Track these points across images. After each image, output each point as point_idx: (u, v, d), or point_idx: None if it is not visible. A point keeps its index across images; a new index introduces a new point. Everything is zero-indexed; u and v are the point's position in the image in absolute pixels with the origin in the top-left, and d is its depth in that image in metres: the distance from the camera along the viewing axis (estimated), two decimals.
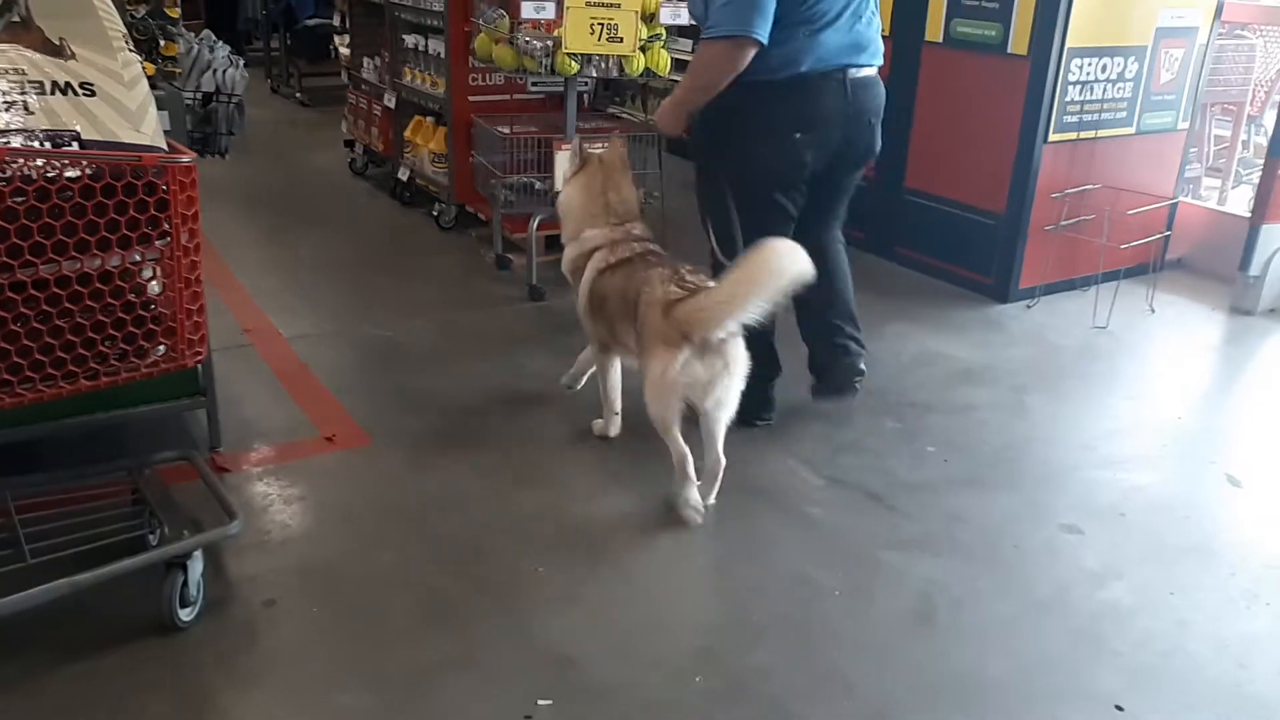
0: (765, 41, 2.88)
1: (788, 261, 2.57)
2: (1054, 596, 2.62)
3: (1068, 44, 4.27)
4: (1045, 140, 4.40)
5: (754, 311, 2.61)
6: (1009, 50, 4.40)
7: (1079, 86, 4.40)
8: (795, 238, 2.78)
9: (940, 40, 4.70)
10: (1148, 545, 2.86)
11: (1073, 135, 4.45)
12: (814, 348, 3.49)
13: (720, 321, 2.64)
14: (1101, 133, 4.52)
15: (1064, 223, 4.53)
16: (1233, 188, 5.83)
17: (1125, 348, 4.21)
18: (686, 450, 2.85)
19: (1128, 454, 3.34)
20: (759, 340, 2.93)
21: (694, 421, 2.87)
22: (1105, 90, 4.49)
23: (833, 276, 3.36)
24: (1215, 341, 4.38)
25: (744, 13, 2.85)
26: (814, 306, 3.32)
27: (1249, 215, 4.67)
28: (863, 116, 3.10)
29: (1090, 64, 4.39)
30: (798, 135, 3.04)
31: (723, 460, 2.91)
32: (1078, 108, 4.43)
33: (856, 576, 2.67)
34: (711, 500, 2.95)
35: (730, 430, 2.95)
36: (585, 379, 3.49)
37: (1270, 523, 3.01)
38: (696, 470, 2.89)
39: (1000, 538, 2.87)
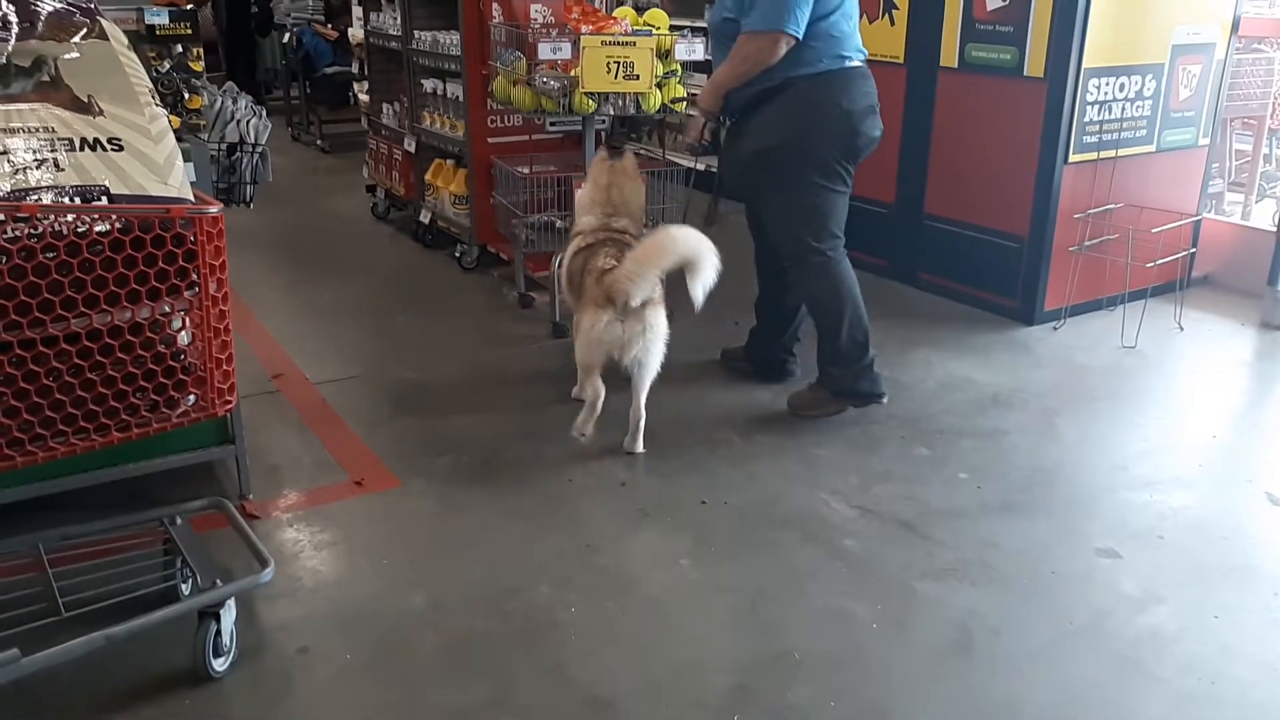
0: (800, 37, 3.25)
1: (682, 241, 3.09)
2: (1093, 623, 2.58)
3: (1084, 64, 4.27)
4: (1065, 161, 4.39)
5: (653, 282, 3.11)
6: (1025, 73, 4.40)
7: (1097, 106, 4.39)
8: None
9: (955, 65, 4.70)
10: (1188, 567, 2.81)
11: (1093, 155, 4.44)
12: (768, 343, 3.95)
13: (628, 288, 3.08)
14: (1122, 152, 4.51)
15: (1087, 243, 4.51)
16: (1257, 202, 5.78)
17: (1155, 366, 4.17)
18: (600, 390, 3.35)
19: (1163, 475, 3.30)
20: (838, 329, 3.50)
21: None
22: (1124, 109, 4.48)
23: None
24: (1247, 357, 4.33)
25: (784, 11, 3.21)
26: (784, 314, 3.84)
27: (1275, 229, 4.63)
28: (877, 104, 3.51)
29: (1108, 83, 4.38)
30: (870, 110, 3.44)
31: (643, 413, 3.38)
32: (1097, 127, 4.41)
33: (892, 608, 2.63)
34: (635, 447, 3.40)
35: (762, 462, 2.97)
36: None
37: None
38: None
39: (1037, 564, 2.83)
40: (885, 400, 3.61)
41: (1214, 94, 4.77)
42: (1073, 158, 4.40)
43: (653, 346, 3.27)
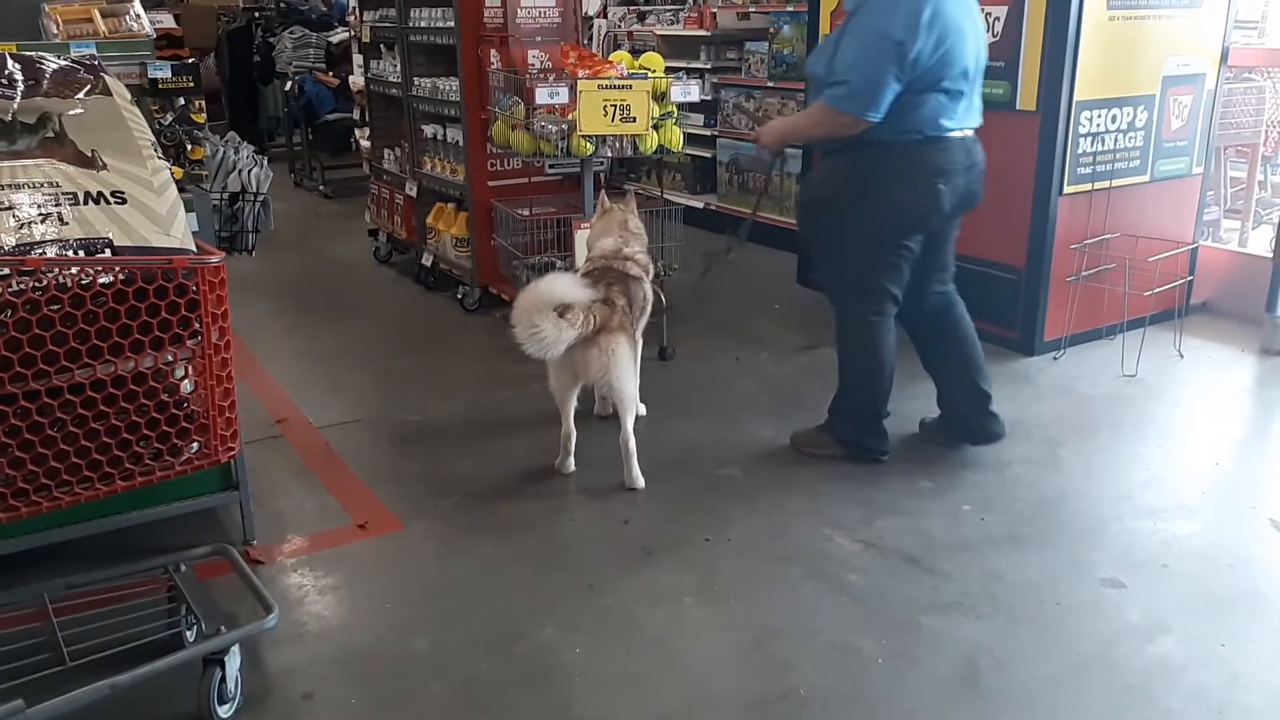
0: (879, 120, 3.17)
1: (545, 289, 3.17)
2: (1100, 654, 2.57)
3: (1076, 97, 4.31)
4: (1060, 193, 4.42)
5: (548, 328, 3.14)
6: (1018, 106, 4.45)
7: (1090, 138, 4.43)
8: (915, 284, 3.47)
9: None
10: (1194, 596, 2.81)
11: (1087, 186, 4.47)
12: (953, 399, 3.72)
13: (525, 343, 3.17)
14: (1116, 182, 4.54)
15: (1085, 273, 4.53)
16: (1253, 228, 5.81)
17: (1156, 395, 4.18)
18: (571, 430, 3.53)
19: (1166, 503, 3.30)
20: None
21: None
22: (1117, 140, 4.52)
23: (962, 341, 3.65)
24: (1247, 384, 4.34)
25: (869, 99, 3.15)
26: (951, 370, 3.67)
27: (1272, 255, 4.65)
28: (976, 168, 3.41)
29: (1100, 115, 4.43)
30: (940, 185, 3.30)
31: (631, 442, 3.44)
32: (1090, 159, 4.45)
33: (898, 642, 2.63)
34: (634, 481, 3.43)
35: (765, 498, 3.01)
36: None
37: None
38: None
39: (1042, 595, 2.82)
40: (885, 459, 3.57)
41: (1206, 123, 4.81)
42: (1067, 189, 4.43)
43: (613, 369, 3.34)
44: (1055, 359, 4.55)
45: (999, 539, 3.12)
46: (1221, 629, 2.66)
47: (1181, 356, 4.52)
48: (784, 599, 2.83)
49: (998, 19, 4.46)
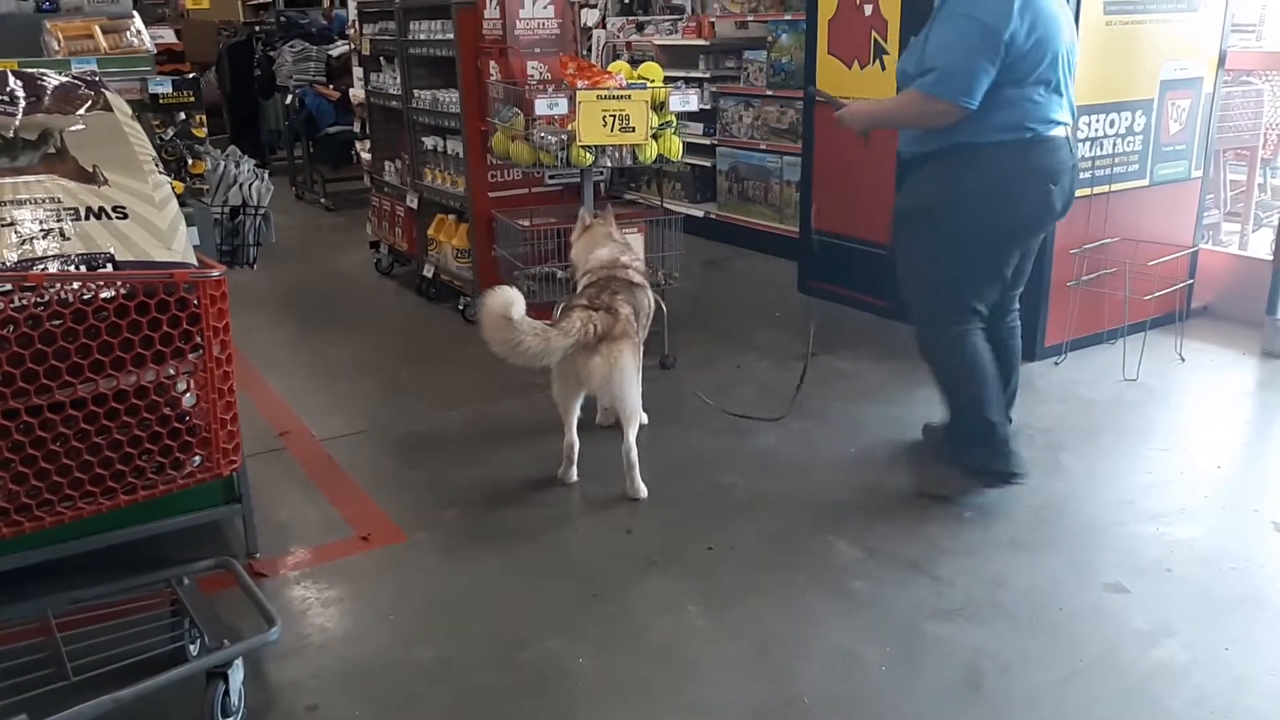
0: (976, 108, 3.03)
1: (490, 305, 3.12)
2: (1104, 658, 2.57)
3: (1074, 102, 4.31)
4: None
5: (530, 342, 3.15)
6: None
7: (1088, 143, 4.43)
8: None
9: None
10: (1197, 600, 2.80)
11: (1086, 191, 4.47)
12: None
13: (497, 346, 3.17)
14: (1115, 186, 4.55)
15: (1085, 278, 4.53)
16: (1253, 231, 5.81)
17: (1158, 398, 4.18)
18: (574, 440, 3.53)
19: (1169, 507, 3.29)
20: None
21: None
22: (1115, 145, 4.53)
23: (1007, 359, 3.46)
24: (1249, 387, 4.34)
25: (963, 83, 3.01)
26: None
27: (1272, 258, 4.65)
28: (1078, 168, 3.30)
29: (1098, 120, 4.44)
30: (1052, 186, 3.16)
31: (634, 451, 3.43)
32: (1089, 164, 4.45)
33: (902, 648, 2.63)
34: (636, 491, 3.42)
35: (767, 506, 3.00)
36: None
37: None
38: None
39: (1045, 600, 2.82)
40: (1024, 481, 3.30)
41: (1204, 127, 4.82)
42: None
43: (614, 377, 3.34)
44: (1056, 364, 4.55)
45: (1001, 544, 3.12)
46: (1225, 632, 2.65)
47: (1183, 360, 4.52)
48: (787, 607, 2.83)
49: None
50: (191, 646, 2.53)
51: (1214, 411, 4.10)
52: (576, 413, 3.52)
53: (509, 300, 3.13)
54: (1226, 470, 3.61)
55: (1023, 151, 3.11)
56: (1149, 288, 4.43)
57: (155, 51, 3.46)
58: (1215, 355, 4.60)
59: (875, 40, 5.07)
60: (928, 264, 3.29)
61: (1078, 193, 4.38)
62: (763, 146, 6.70)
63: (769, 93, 6.57)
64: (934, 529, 3.20)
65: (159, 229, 2.15)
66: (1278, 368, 4.47)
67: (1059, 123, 3.15)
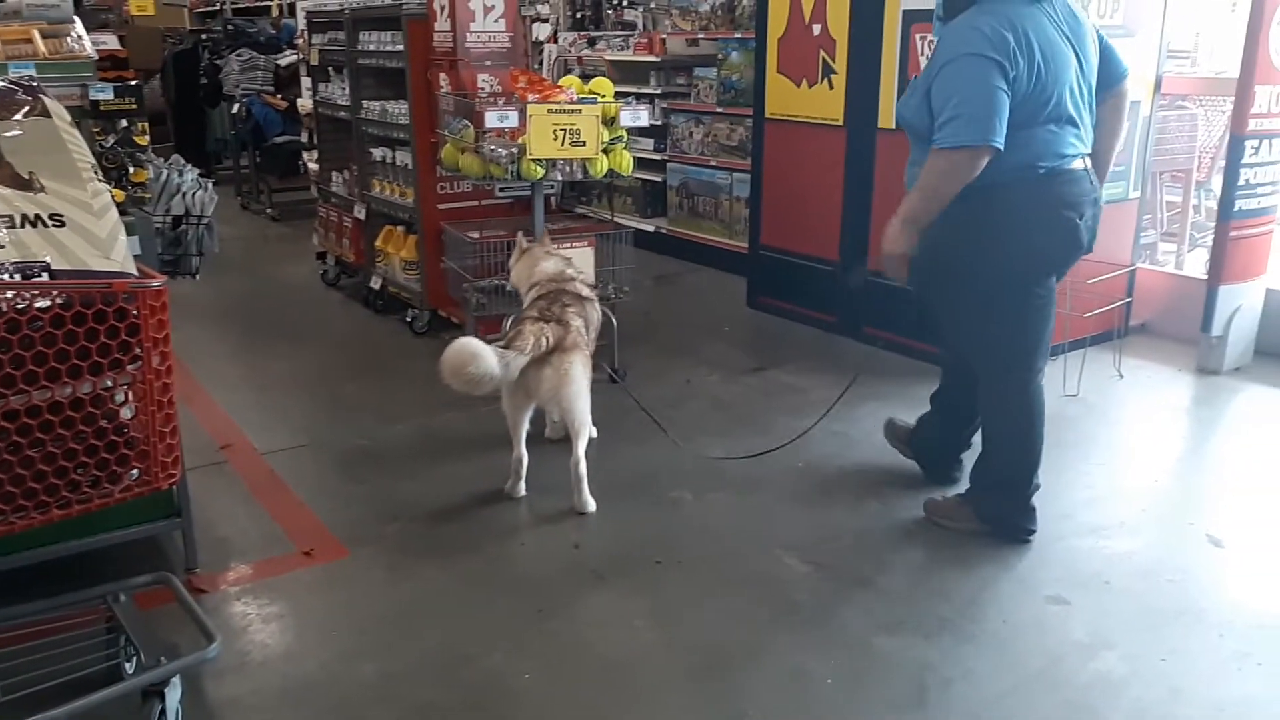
0: (1002, 148, 2.83)
1: (451, 363, 3.11)
2: (1045, 670, 2.61)
3: None
4: None
5: (484, 372, 3.12)
6: None
7: None
8: None
9: (893, 127, 4.83)
10: (1135, 612, 2.86)
11: None
12: (940, 434, 3.60)
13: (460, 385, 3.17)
14: None
15: None
16: (1189, 251, 5.96)
17: (1097, 414, 4.26)
18: (523, 454, 3.52)
19: (1108, 521, 3.36)
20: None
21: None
22: None
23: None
24: (1184, 403, 4.44)
25: (984, 122, 2.81)
26: (959, 409, 3.46)
27: (1206, 277, 4.77)
28: (1099, 200, 3.12)
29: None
30: (1075, 218, 3.01)
31: (583, 465, 3.40)
32: None
33: (848, 663, 2.64)
34: (584, 505, 3.40)
35: (716, 520, 3.02)
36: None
37: (1254, 581, 3.02)
38: None
39: (988, 613, 2.86)
40: (1033, 537, 3.22)
41: (1142, 150, 4.94)
42: None
43: (565, 389, 3.33)
44: None
45: (945, 558, 3.15)
46: (1162, 644, 2.71)
47: (1121, 376, 4.61)
48: (734, 621, 2.83)
49: None
50: (127, 664, 2.47)
51: (1151, 427, 4.19)
52: (525, 426, 3.51)
53: (474, 354, 3.11)
54: (1163, 484, 3.68)
55: (1041, 185, 2.96)
56: (1088, 305, 4.52)
57: (97, 57, 3.40)
58: (1152, 372, 4.70)
59: (824, 59, 5.14)
60: (973, 316, 3.14)
61: None
62: (713, 163, 6.75)
63: (719, 110, 6.62)
64: (879, 543, 3.23)
65: (97, 237, 2.11)
66: (1212, 384, 4.58)
67: (1075, 155, 3.00)
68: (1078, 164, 3.01)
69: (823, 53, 5.14)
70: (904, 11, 4.69)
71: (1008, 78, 2.82)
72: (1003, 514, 3.24)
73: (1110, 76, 3.15)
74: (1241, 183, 4.49)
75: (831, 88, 5.12)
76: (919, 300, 3.35)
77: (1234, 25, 5.03)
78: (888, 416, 3.85)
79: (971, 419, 3.45)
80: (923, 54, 4.62)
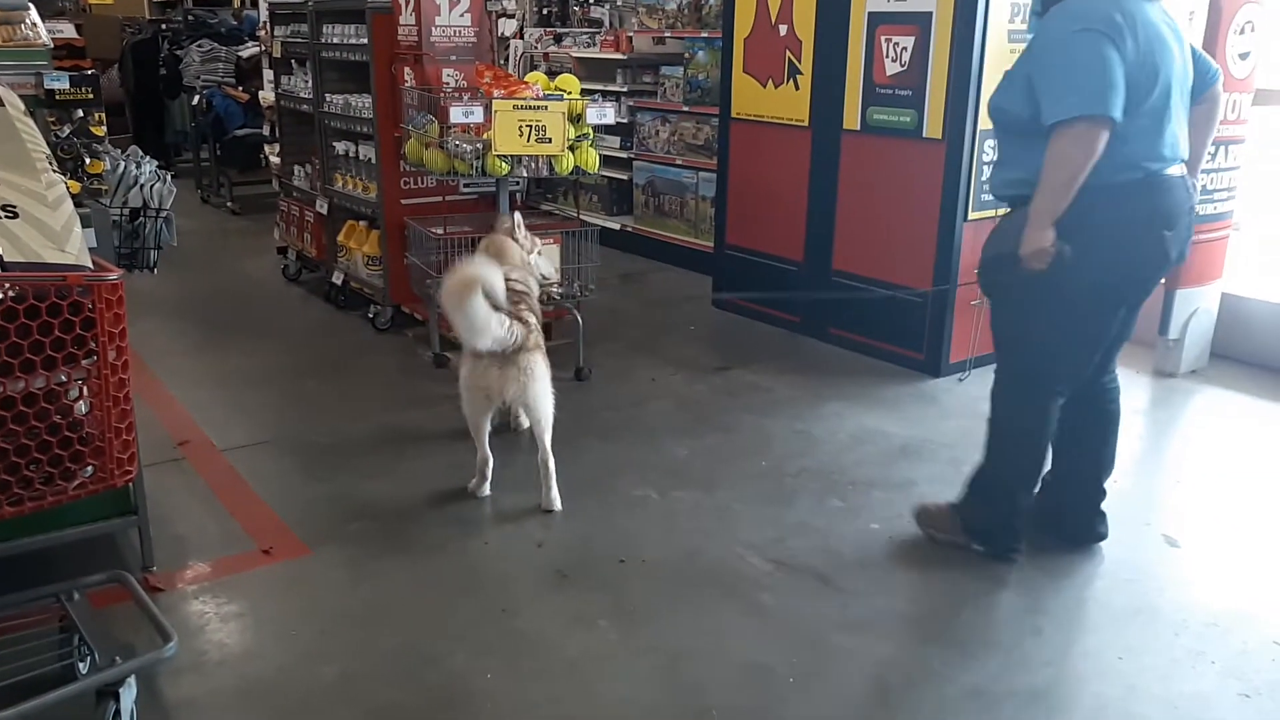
0: (1119, 120, 2.64)
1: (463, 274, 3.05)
2: (1005, 668, 2.63)
3: (980, 126, 4.44)
4: (965, 218, 4.54)
5: (483, 317, 3.08)
6: (924, 134, 4.57)
7: (993, 166, 4.56)
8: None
9: (858, 128, 4.86)
10: (1093, 610, 2.89)
11: (991, 212, 4.59)
12: (1065, 489, 3.26)
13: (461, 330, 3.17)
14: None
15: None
16: None
17: None
18: (488, 455, 3.50)
19: None
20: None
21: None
22: None
23: (1106, 432, 3.19)
24: (1142, 405, 4.50)
25: (1101, 94, 2.61)
26: (1079, 459, 3.19)
27: (1163, 281, 4.84)
28: (1194, 211, 2.91)
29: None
30: (1166, 232, 2.78)
31: (550, 461, 3.41)
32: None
33: (809, 661, 2.65)
34: (551, 503, 3.40)
35: (680, 519, 3.00)
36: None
37: (1208, 580, 3.06)
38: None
39: (948, 612, 2.88)
40: (1017, 560, 3.09)
41: None
42: (972, 215, 4.56)
43: (531, 388, 3.33)
44: (960, 380, 4.66)
45: (906, 557, 3.17)
46: (1119, 642, 2.74)
47: None
48: (698, 620, 2.84)
49: (904, 49, 4.58)
50: (81, 664, 2.42)
51: None
52: (488, 428, 3.48)
53: (491, 279, 3.12)
54: (1121, 485, 3.71)
55: (1135, 194, 2.75)
56: None
57: (52, 46, 3.33)
58: None
59: (790, 60, 5.16)
60: (1021, 323, 2.96)
61: (983, 214, 4.56)
62: (679, 162, 6.75)
63: (685, 109, 6.63)
64: (841, 542, 3.25)
65: (52, 229, 2.06)
66: (1169, 386, 4.65)
67: (1173, 159, 2.80)
68: (1176, 170, 2.81)
69: (789, 53, 5.16)
70: (869, 13, 4.71)
71: (1121, 52, 2.63)
72: (989, 527, 3.13)
73: (1204, 80, 2.96)
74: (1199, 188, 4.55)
75: (797, 88, 5.14)
76: (986, 290, 3.11)
77: (1192, 33, 5.10)
78: (918, 504, 3.40)
79: (1108, 460, 3.22)
80: (888, 55, 4.66)
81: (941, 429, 4.12)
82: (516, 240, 3.93)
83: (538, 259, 4.01)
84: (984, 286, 3.10)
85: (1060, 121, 2.65)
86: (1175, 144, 2.80)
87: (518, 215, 4.06)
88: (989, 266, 3.01)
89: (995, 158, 2.99)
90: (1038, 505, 3.23)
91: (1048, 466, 3.20)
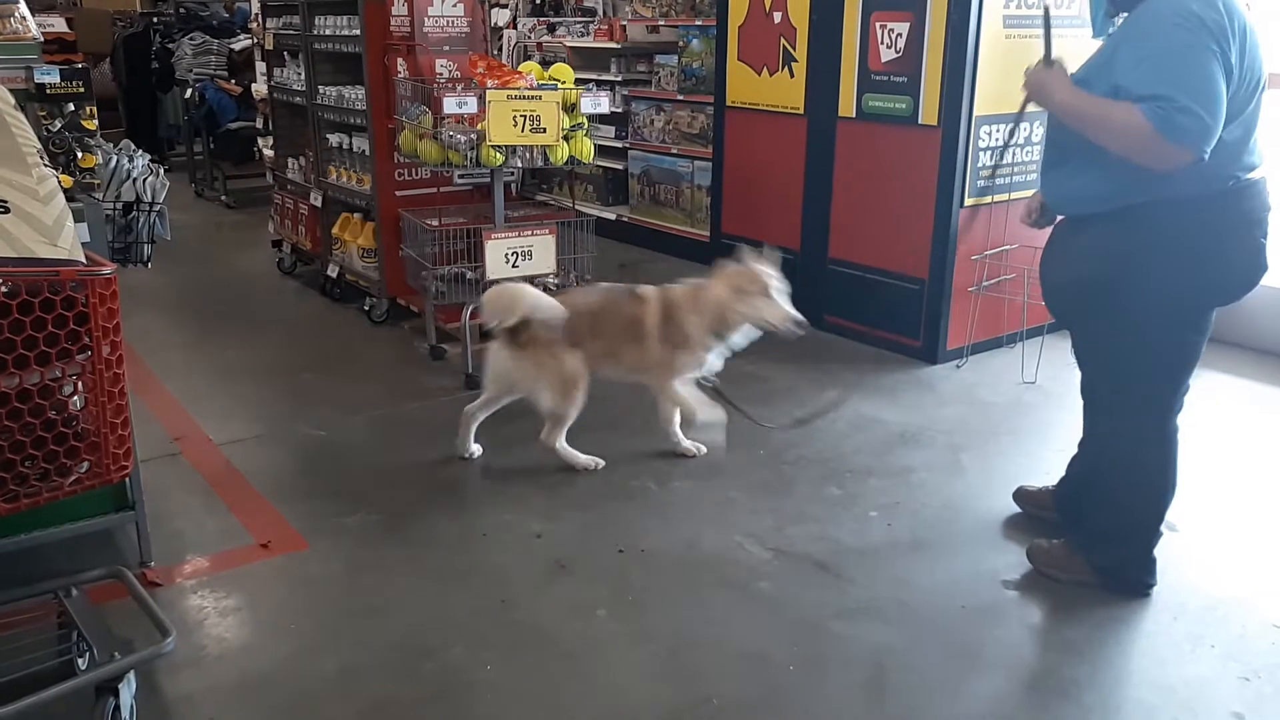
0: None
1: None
2: (1003, 654, 2.64)
3: (975, 112, 4.43)
4: (961, 205, 4.54)
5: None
6: (920, 121, 4.56)
7: (989, 152, 4.56)
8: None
9: (853, 115, 4.85)
10: (1091, 595, 2.89)
11: (987, 199, 4.60)
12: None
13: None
14: (1015, 195, 4.67)
15: (986, 283, 4.65)
16: None
17: (1054, 401, 4.30)
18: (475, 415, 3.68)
19: None
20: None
21: None
22: (1015, 154, 4.66)
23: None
24: None
25: (1209, 130, 2.38)
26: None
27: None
28: (1271, 213, 2.70)
29: (998, 129, 4.55)
30: (1263, 240, 2.63)
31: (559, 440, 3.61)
32: (989, 172, 4.58)
33: (808, 649, 2.65)
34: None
35: (678, 508, 3.03)
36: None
37: (1206, 564, 3.07)
38: None
39: (946, 599, 2.88)
40: (1152, 591, 2.90)
41: None
42: (968, 201, 4.55)
43: (537, 385, 3.48)
44: (958, 367, 4.66)
45: (904, 544, 3.17)
46: (1118, 626, 2.75)
47: None
48: (696, 609, 2.84)
49: (900, 35, 4.57)
50: (80, 660, 2.41)
51: None
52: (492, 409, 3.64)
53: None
54: None
55: (1228, 202, 2.58)
56: None
57: (42, 40, 3.31)
58: None
59: (784, 47, 5.14)
60: (1125, 349, 2.75)
61: (979, 200, 4.56)
62: (674, 151, 6.73)
63: (680, 97, 6.61)
64: (839, 530, 3.25)
65: (44, 224, 2.05)
66: None
67: (1260, 164, 2.63)
68: (1258, 174, 2.63)
69: (783, 40, 5.14)
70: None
71: (1227, 70, 2.42)
72: (1121, 566, 2.91)
73: None
74: None
75: (792, 76, 5.13)
76: (1059, 318, 2.99)
77: None
78: (1018, 486, 3.40)
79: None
80: (883, 42, 4.64)
81: (939, 416, 4.12)
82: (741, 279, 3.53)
83: (762, 302, 3.49)
84: (1060, 316, 2.95)
85: (1157, 130, 2.38)
86: (1260, 148, 2.63)
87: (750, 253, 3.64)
88: (1065, 295, 2.85)
89: (1049, 158, 2.80)
90: (1059, 507, 3.21)
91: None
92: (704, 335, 3.56)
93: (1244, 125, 2.54)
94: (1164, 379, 2.76)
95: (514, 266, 4.38)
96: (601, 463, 3.63)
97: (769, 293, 3.45)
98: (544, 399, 3.51)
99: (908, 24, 4.53)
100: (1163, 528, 2.90)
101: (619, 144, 7.11)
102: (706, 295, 3.57)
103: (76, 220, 2.26)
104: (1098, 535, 2.95)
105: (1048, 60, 2.77)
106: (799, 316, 3.42)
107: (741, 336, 3.56)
